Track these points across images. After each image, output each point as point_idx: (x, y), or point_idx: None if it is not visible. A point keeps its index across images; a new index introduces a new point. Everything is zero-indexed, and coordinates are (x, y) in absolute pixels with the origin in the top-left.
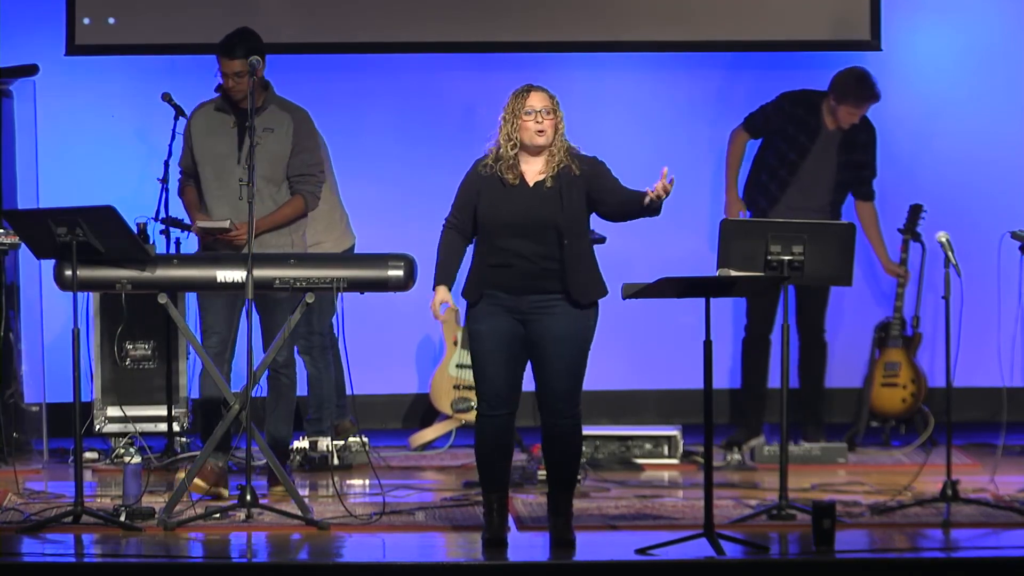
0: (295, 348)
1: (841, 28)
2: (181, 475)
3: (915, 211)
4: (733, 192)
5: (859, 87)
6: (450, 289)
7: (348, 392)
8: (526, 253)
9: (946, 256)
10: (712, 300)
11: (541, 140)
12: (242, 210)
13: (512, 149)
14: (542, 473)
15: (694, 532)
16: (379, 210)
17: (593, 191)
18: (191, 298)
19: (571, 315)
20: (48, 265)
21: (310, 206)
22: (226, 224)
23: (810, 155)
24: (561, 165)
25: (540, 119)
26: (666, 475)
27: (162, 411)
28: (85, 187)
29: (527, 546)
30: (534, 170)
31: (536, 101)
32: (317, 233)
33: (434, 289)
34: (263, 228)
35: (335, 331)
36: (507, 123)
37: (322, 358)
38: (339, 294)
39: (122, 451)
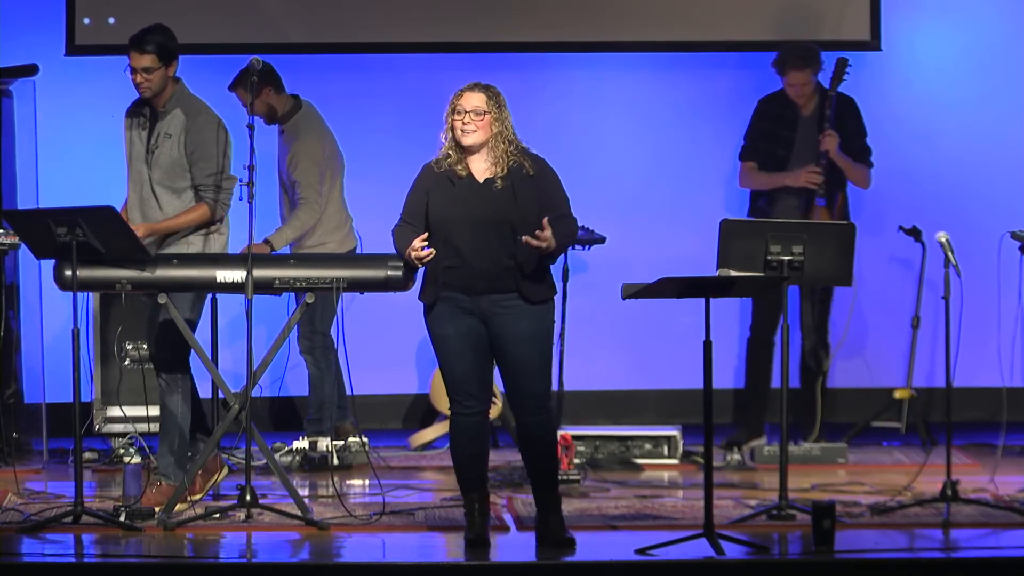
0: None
1: (841, 28)
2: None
3: (841, 65)
4: (785, 177)
5: (790, 53)
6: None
7: (348, 393)
8: (481, 253)
9: (946, 256)
10: (713, 300)
11: (466, 140)
12: (144, 213)
13: (451, 149)
14: None
15: (694, 532)
16: (380, 210)
17: (541, 196)
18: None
19: (530, 313)
20: (48, 265)
21: (216, 214)
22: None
23: (795, 146)
24: (511, 163)
25: (467, 120)
26: (666, 475)
27: None
28: (85, 187)
29: (527, 546)
30: (480, 167)
31: (466, 102)
32: (323, 234)
33: (405, 249)
34: (158, 231)
35: (336, 331)
36: (446, 122)
37: (324, 358)
38: (339, 294)
39: (122, 451)
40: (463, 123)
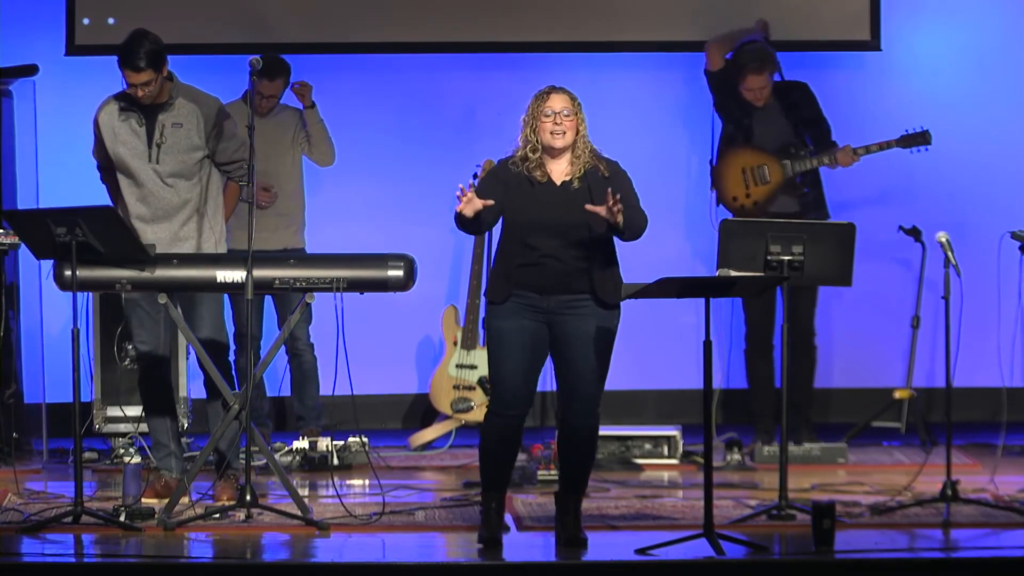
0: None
1: (841, 28)
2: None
3: (920, 140)
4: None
5: (748, 57)
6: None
7: (348, 392)
8: (557, 253)
9: (946, 256)
10: (713, 300)
11: (558, 142)
12: (155, 206)
13: (534, 152)
14: (542, 473)
15: (694, 532)
16: (379, 210)
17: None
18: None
19: (597, 316)
20: (48, 265)
21: (242, 193)
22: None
23: (754, 134)
24: (588, 166)
25: (559, 121)
26: (666, 475)
27: None
28: (85, 187)
29: (527, 546)
30: (560, 170)
31: (555, 103)
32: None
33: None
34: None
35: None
36: (527, 125)
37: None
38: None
39: (122, 451)
40: (555, 124)
